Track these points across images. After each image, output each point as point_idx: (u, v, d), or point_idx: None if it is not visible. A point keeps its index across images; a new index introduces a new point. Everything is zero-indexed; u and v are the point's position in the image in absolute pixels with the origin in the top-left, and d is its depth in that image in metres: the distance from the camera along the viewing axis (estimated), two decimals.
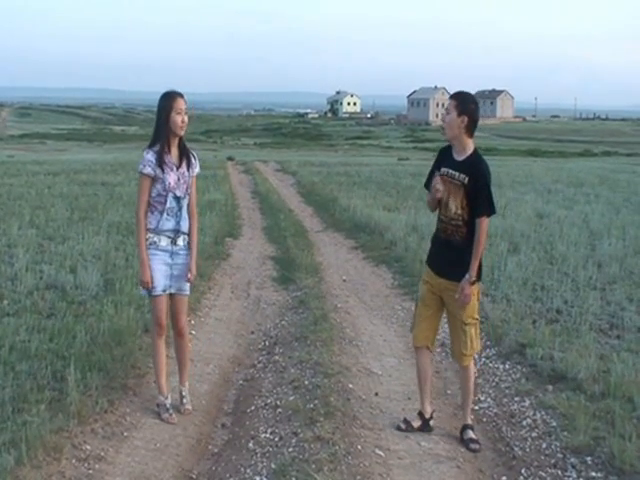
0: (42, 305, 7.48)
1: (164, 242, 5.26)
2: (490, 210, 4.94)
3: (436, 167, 5.13)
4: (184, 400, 5.52)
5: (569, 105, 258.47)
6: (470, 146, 4.98)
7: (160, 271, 5.25)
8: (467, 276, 4.90)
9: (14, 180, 20.69)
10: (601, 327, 7.25)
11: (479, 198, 4.89)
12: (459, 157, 5.00)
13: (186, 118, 5.19)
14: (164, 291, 5.32)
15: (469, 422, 5.19)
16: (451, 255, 5.00)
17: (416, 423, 5.25)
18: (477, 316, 5.13)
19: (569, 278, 9.08)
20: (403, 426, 5.25)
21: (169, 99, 5.15)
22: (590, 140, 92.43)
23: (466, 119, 4.89)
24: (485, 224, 4.92)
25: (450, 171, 4.99)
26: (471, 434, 5.12)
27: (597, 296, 8.26)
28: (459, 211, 4.94)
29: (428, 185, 5.18)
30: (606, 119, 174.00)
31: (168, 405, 5.42)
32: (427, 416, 5.27)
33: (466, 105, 4.91)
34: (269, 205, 18.31)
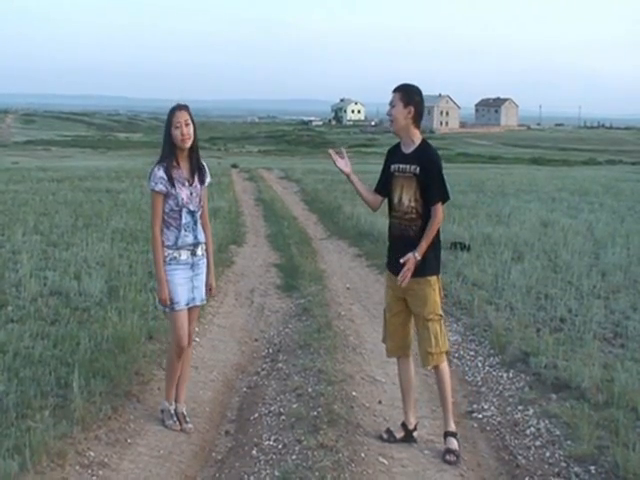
0: (46, 311, 7.49)
1: (184, 256, 5.19)
2: (444, 195, 4.96)
3: (387, 167, 5.14)
4: (187, 419, 5.44)
5: (573, 113, 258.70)
6: (418, 137, 5.02)
7: (183, 285, 5.18)
8: (415, 252, 4.84)
9: (18, 186, 20.74)
10: (605, 336, 7.24)
11: (432, 185, 4.91)
12: (408, 150, 5.02)
13: (189, 129, 5.08)
14: (187, 305, 5.24)
15: (451, 429, 5.06)
16: (407, 250, 4.91)
17: (399, 434, 5.19)
18: (440, 312, 5.05)
19: (573, 287, 9.07)
20: (385, 436, 5.18)
21: (169, 114, 5.10)
22: (594, 148, 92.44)
23: (412, 109, 4.94)
24: (440, 211, 4.93)
25: (400, 166, 5.02)
26: (452, 443, 4.98)
27: (601, 305, 8.24)
28: (412, 203, 4.94)
29: (377, 189, 5.22)
30: (610, 127, 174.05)
31: (173, 412, 5.41)
32: (410, 427, 5.20)
33: (411, 96, 4.96)
34: (273, 212, 18.31)
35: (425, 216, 4.93)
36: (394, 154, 5.14)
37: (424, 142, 5.04)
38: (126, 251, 10.93)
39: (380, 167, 5.29)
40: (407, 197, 4.96)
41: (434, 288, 4.99)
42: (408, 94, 4.96)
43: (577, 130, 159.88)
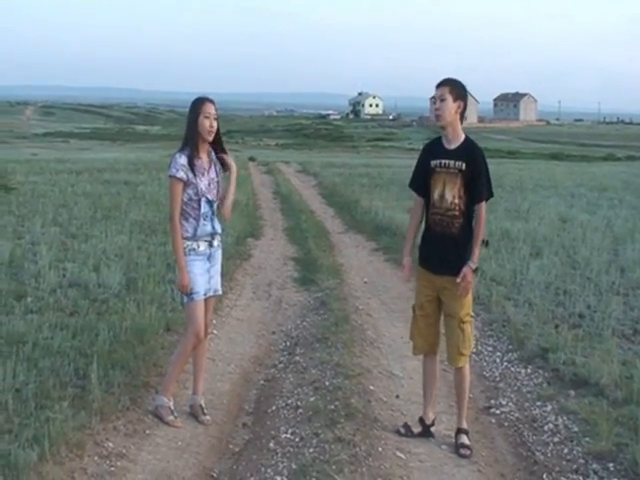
0: (65, 303, 7.53)
1: (202, 247, 5.20)
2: (489, 194, 4.90)
3: (425, 162, 5.00)
4: (204, 411, 5.44)
5: (593, 109, 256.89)
6: (462, 132, 4.91)
7: (202, 275, 5.19)
8: (469, 263, 4.80)
9: (38, 178, 20.85)
10: (624, 332, 7.19)
11: (478, 183, 4.82)
12: (452, 145, 4.89)
13: (215, 124, 5.12)
14: (205, 295, 5.25)
15: (464, 426, 5.08)
16: (450, 248, 4.86)
17: (416, 429, 5.17)
18: (472, 313, 5.03)
19: (592, 283, 9.00)
20: (403, 431, 5.16)
21: (198, 104, 5.11)
22: (614, 144, 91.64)
23: (462, 104, 4.84)
24: (484, 209, 4.86)
25: (443, 161, 4.88)
26: (464, 439, 5.00)
27: (620, 301, 8.19)
28: (456, 200, 4.83)
29: (414, 184, 5.11)
30: (630, 123, 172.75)
31: (173, 408, 5.34)
32: (428, 422, 5.19)
33: (460, 91, 4.83)
34: (290, 206, 18.33)
35: (467, 214, 4.85)
36: (434, 150, 4.99)
37: (468, 138, 4.91)
38: (144, 243, 10.98)
39: (414, 162, 5.19)
40: (450, 194, 4.84)
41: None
42: (457, 88, 4.82)
43: (596, 125, 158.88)
